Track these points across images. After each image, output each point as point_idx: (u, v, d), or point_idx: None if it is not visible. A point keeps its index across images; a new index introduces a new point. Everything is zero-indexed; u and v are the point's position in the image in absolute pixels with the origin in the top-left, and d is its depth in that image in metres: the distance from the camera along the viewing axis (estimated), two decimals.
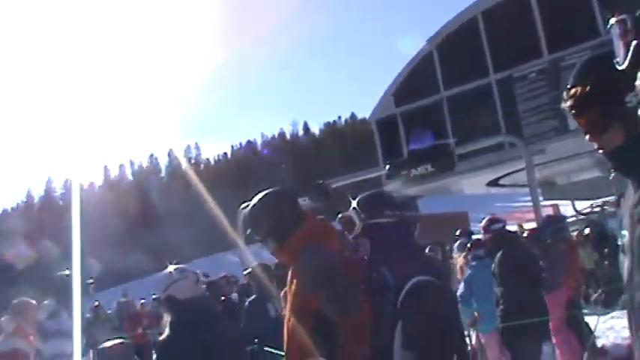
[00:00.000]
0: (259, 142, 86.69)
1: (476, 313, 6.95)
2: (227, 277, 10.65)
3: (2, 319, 5.29)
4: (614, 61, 1.62)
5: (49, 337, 4.92)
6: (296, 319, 2.73)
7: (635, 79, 1.54)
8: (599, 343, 7.50)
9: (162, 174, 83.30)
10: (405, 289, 2.28)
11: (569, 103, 1.78)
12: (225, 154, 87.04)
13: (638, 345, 1.71)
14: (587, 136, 1.78)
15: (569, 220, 12.70)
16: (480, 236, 7.53)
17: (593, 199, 18.52)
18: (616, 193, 11.06)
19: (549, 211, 16.57)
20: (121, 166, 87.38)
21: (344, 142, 74.66)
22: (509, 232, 7.17)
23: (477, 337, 7.35)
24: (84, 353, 9.44)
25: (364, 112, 79.13)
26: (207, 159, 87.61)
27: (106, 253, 55.67)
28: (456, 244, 8.75)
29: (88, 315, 13.70)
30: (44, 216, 70.72)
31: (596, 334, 7.25)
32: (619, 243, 1.82)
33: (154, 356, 3.79)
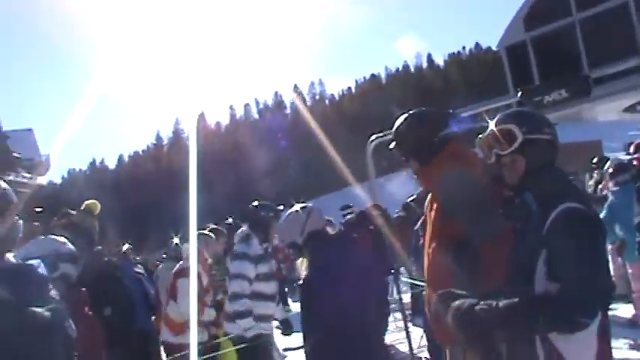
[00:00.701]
0: (383, 75, 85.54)
1: (619, 241, 6.68)
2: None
3: (185, 245, 5.98)
4: None
5: (236, 259, 5.25)
6: (436, 245, 2.71)
7: None
8: None
9: (288, 111, 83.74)
10: (553, 216, 2.11)
11: None
12: (350, 88, 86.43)
13: None
14: None
15: None
16: (622, 159, 7.23)
17: None
18: None
19: None
20: (246, 105, 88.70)
21: (469, 73, 72.43)
22: None
23: (624, 265, 7.01)
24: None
25: (488, 42, 76.21)
26: (332, 94, 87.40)
27: (232, 190, 58.20)
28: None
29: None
30: (173, 157, 72.77)
31: None
32: None
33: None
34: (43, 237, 3.57)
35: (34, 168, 19.89)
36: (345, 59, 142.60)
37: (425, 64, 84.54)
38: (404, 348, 6.85)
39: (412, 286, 7.08)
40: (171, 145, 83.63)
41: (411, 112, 3.01)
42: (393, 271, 6.69)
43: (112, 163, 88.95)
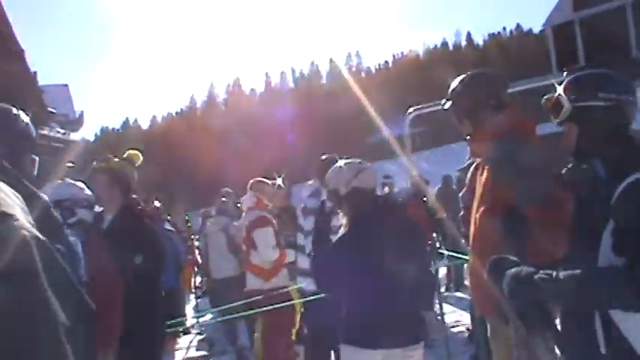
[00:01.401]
0: (421, 51, 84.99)
1: None
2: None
3: (244, 197, 6.15)
4: None
5: (308, 214, 5.31)
6: (485, 210, 2.67)
7: None
8: None
9: (323, 81, 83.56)
10: (622, 186, 1.96)
11: None
12: (387, 62, 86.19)
13: None
14: None
15: None
16: None
17: None
18: None
19: None
20: (282, 73, 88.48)
21: (509, 54, 71.48)
22: None
23: None
24: None
25: (530, 24, 74.67)
26: (369, 67, 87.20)
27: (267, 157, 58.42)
28: None
29: None
30: (206, 121, 72.90)
31: None
32: None
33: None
34: (60, 181, 3.48)
35: (68, 124, 20.19)
36: (384, 33, 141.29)
37: (464, 43, 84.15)
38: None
39: (449, 259, 7.14)
40: (204, 109, 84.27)
41: (470, 72, 2.99)
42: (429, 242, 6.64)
43: (144, 124, 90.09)
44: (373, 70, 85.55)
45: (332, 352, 5.11)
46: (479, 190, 2.81)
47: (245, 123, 56.76)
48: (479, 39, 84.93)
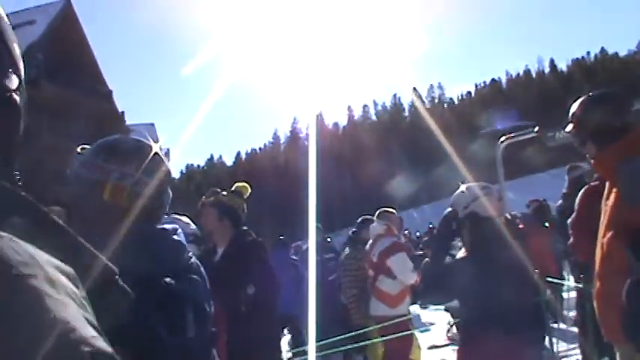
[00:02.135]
0: (504, 80, 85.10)
1: None
2: None
3: (373, 225, 6.08)
4: None
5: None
6: (613, 234, 2.54)
7: None
8: None
9: (406, 114, 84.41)
10: None
11: None
12: (470, 93, 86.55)
13: None
14: None
15: None
16: None
17: None
18: None
19: None
20: (365, 106, 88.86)
21: (594, 79, 70.75)
22: None
23: None
24: None
25: (615, 47, 73.49)
26: (451, 98, 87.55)
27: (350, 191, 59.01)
28: None
29: None
30: (289, 156, 74.32)
31: None
32: None
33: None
34: (166, 216, 3.32)
35: None
36: (466, 63, 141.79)
37: (547, 69, 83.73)
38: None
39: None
40: (288, 144, 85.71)
41: (592, 93, 2.91)
42: None
43: (229, 160, 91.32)
44: (456, 101, 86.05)
45: None
46: (606, 213, 2.67)
47: (327, 160, 58.16)
48: (562, 65, 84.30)
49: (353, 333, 6.16)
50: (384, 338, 5.59)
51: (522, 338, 3.02)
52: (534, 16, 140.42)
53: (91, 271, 1.11)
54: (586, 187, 4.19)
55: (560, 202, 6.61)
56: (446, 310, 8.60)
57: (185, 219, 3.79)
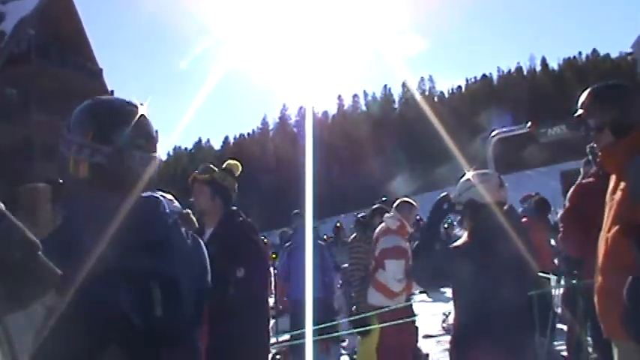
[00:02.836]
0: (495, 76, 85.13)
1: None
2: None
3: (388, 215, 5.89)
4: None
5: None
6: (619, 229, 2.50)
7: None
8: None
9: (396, 105, 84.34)
10: None
11: None
12: (460, 87, 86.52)
13: None
14: None
15: None
16: None
17: None
18: None
19: None
20: (355, 96, 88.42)
21: (585, 79, 71.23)
22: None
23: None
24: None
25: (607, 48, 73.79)
26: (441, 92, 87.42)
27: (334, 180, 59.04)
28: None
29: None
30: (278, 142, 74.86)
31: None
32: None
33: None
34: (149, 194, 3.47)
35: None
36: (457, 58, 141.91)
37: (539, 67, 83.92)
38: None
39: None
40: (276, 130, 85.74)
41: (606, 83, 2.82)
42: None
43: (217, 144, 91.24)
44: (446, 95, 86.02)
45: None
46: (612, 208, 2.60)
47: (317, 146, 58.22)
48: (554, 64, 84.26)
49: (354, 317, 6.18)
50: (380, 325, 5.56)
51: (519, 336, 3.01)
52: (527, 14, 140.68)
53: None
54: (577, 183, 4.21)
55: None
56: None
57: (169, 196, 3.63)
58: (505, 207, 3.29)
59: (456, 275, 3.12)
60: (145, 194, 1.68)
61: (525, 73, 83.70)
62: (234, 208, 3.74)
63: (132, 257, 1.50)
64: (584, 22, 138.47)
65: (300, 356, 7.63)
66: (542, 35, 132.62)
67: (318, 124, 75.00)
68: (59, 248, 1.46)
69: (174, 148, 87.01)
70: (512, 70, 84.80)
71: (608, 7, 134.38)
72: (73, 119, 1.68)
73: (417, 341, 6.34)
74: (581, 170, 5.69)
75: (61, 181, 1.92)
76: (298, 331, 7.04)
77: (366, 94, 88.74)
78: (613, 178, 2.67)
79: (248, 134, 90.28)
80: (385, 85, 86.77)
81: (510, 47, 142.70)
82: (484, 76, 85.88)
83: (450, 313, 7.68)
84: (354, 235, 7.23)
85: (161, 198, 1.72)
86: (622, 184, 2.56)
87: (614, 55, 79.62)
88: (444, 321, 9.07)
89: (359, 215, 7.59)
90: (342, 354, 8.66)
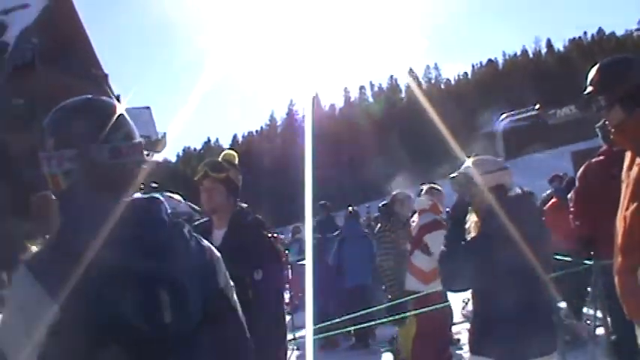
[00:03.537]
0: (500, 60, 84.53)
1: None
2: None
3: (420, 198, 6.12)
4: None
5: None
6: (637, 208, 2.44)
7: None
8: None
9: (402, 95, 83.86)
10: None
11: None
12: (466, 73, 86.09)
13: None
14: None
15: None
16: None
17: None
18: None
19: None
20: (362, 87, 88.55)
21: (591, 59, 70.18)
22: None
23: None
24: None
25: (612, 27, 72.99)
26: (448, 79, 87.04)
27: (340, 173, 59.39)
28: None
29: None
30: (286, 137, 74.66)
31: None
32: None
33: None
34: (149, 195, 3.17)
35: (150, 145, 22.38)
36: (462, 44, 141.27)
37: (544, 49, 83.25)
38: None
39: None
40: (284, 126, 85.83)
41: (616, 57, 2.77)
42: None
43: (226, 143, 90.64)
44: (452, 82, 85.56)
45: None
46: (630, 185, 2.53)
47: (325, 138, 58.19)
48: (559, 45, 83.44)
49: (387, 304, 6.29)
50: (415, 311, 5.60)
51: (535, 322, 2.95)
52: None
53: None
54: (588, 162, 4.15)
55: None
56: None
57: (177, 197, 3.49)
58: (509, 191, 3.20)
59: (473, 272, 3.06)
60: (143, 195, 1.60)
61: (531, 55, 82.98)
62: (245, 205, 3.57)
63: (133, 261, 1.44)
64: (588, 1, 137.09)
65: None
66: (546, 17, 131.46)
67: (325, 117, 75.64)
68: (58, 259, 1.42)
69: (184, 149, 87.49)
70: (518, 53, 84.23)
71: None
72: (41, 132, 1.60)
73: (451, 326, 6.37)
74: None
75: None
76: (356, 314, 6.95)
77: (372, 85, 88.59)
78: (628, 155, 2.59)
79: (256, 131, 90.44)
80: (391, 76, 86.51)
81: (515, 31, 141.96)
82: (490, 60, 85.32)
83: (468, 300, 7.65)
84: (378, 225, 7.25)
85: (161, 198, 1.62)
86: (638, 160, 2.48)
87: (619, 32, 79.03)
88: (463, 308, 9.02)
89: (381, 204, 7.63)
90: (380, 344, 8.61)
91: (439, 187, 6.16)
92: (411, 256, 5.82)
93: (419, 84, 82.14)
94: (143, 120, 25.21)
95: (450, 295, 6.03)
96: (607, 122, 2.64)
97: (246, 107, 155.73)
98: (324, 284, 8.19)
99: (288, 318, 9.72)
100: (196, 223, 3.62)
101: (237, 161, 3.61)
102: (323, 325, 6.82)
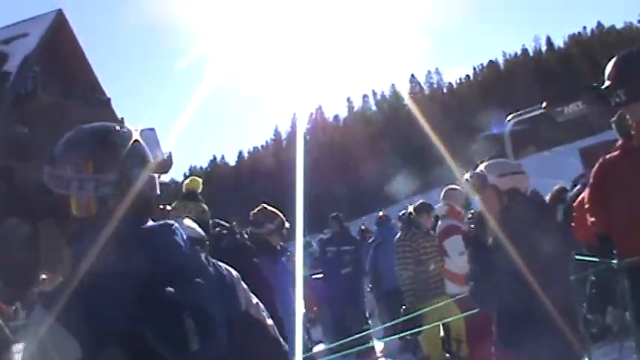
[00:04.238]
0: (501, 61, 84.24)
1: None
2: None
3: (438, 205, 6.21)
4: None
5: None
6: None
7: None
8: None
9: (405, 102, 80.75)
10: None
11: None
12: (468, 76, 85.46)
13: None
14: None
15: None
16: None
17: None
18: None
19: None
20: (365, 96, 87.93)
21: (592, 54, 70.07)
22: None
23: None
24: None
25: (612, 20, 72.65)
26: (450, 83, 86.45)
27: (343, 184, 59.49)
28: None
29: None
30: (292, 152, 76.96)
31: None
32: None
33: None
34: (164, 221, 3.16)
35: (158, 167, 23.09)
36: (462, 47, 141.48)
37: (544, 47, 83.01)
38: None
39: None
40: (289, 140, 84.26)
41: (632, 50, 2.74)
42: None
43: (232, 160, 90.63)
44: (455, 85, 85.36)
45: None
46: None
47: (330, 149, 58.24)
48: (559, 42, 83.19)
49: (406, 317, 6.22)
50: (460, 316, 5.61)
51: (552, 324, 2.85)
52: None
53: None
54: (602, 157, 4.02)
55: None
56: None
57: (187, 221, 3.53)
58: (521, 194, 3.14)
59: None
60: (159, 222, 1.58)
61: (532, 54, 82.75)
62: (218, 229, 3.44)
63: (157, 289, 1.40)
64: None
65: None
66: (545, 15, 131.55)
67: (329, 128, 76.68)
68: (77, 292, 1.38)
69: (190, 168, 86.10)
70: (519, 53, 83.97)
71: None
72: (60, 153, 1.56)
73: None
74: None
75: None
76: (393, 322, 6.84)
77: (375, 94, 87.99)
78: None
79: (262, 146, 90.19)
80: (393, 84, 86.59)
81: (514, 30, 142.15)
82: (490, 62, 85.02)
83: None
84: (397, 235, 7.29)
85: (175, 224, 1.60)
86: None
87: (619, 26, 78.78)
88: None
89: (401, 213, 7.69)
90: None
91: (456, 187, 6.16)
92: (444, 264, 5.98)
93: (421, 89, 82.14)
94: (149, 141, 25.93)
95: None
96: (627, 116, 2.58)
97: (250, 123, 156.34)
98: (342, 295, 8.26)
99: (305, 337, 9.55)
100: None
101: (199, 187, 3.57)
102: (346, 339, 6.84)
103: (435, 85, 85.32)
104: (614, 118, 3.32)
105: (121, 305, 1.35)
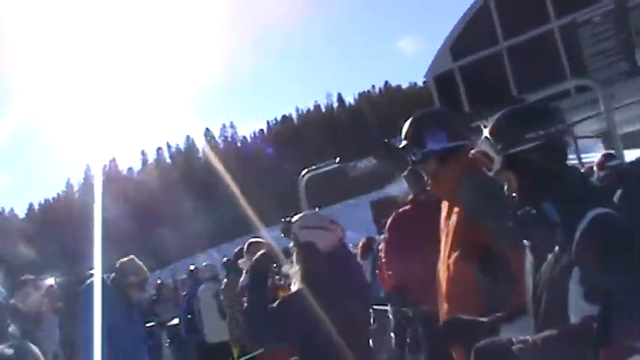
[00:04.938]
0: (294, 115, 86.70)
1: None
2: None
3: (241, 260, 5.87)
4: None
5: None
6: (460, 256, 2.45)
7: None
8: None
9: (200, 155, 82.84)
10: (582, 226, 1.75)
11: None
12: (262, 130, 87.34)
13: None
14: None
15: None
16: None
17: None
18: None
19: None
20: (159, 149, 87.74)
21: (381, 112, 73.34)
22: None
23: None
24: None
25: (397, 80, 78.66)
26: (244, 136, 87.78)
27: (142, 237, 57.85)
28: None
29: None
30: (84, 204, 73.37)
31: None
32: None
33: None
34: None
35: None
36: (256, 101, 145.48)
37: (336, 104, 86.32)
38: None
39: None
40: (82, 193, 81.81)
41: (429, 110, 2.89)
42: None
43: (22, 212, 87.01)
44: (249, 139, 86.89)
45: None
46: (448, 235, 2.57)
47: (124, 202, 56.82)
48: (350, 99, 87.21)
49: None
50: None
51: None
52: (321, 51, 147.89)
53: None
54: (395, 211, 4.16)
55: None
56: None
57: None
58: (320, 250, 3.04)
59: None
60: None
61: (324, 110, 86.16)
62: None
63: None
64: (375, 56, 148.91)
65: None
66: (336, 72, 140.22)
67: (124, 181, 74.40)
68: None
69: None
70: (312, 108, 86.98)
71: (394, 41, 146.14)
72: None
73: None
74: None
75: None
76: None
77: (169, 146, 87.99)
78: (445, 204, 2.66)
79: (53, 198, 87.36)
80: (188, 137, 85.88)
81: (307, 86, 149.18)
82: (284, 117, 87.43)
83: None
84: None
85: None
86: (455, 208, 2.55)
87: (405, 86, 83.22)
88: None
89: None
90: None
91: (260, 240, 5.79)
92: None
93: (216, 143, 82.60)
94: None
95: None
96: (422, 172, 2.69)
97: (40, 176, 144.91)
98: None
99: None
100: None
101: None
102: None
103: (230, 139, 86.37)
104: (404, 174, 3.51)
105: None
